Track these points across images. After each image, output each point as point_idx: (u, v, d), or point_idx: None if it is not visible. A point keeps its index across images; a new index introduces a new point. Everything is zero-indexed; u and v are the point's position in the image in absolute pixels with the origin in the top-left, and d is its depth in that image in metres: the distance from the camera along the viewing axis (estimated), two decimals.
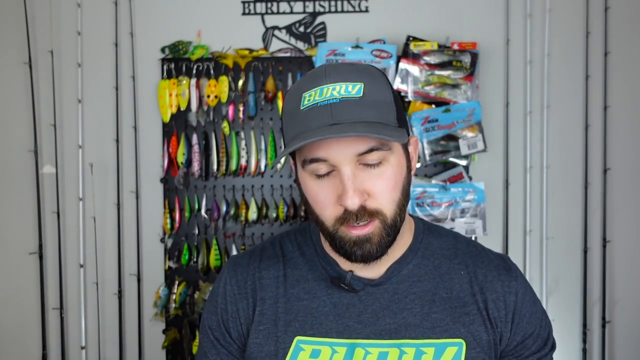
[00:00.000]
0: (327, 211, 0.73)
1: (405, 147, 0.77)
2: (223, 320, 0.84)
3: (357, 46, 1.94)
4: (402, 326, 0.78)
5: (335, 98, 0.70)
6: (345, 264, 0.81)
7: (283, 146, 0.82)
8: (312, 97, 0.71)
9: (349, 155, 0.70)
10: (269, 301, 0.82)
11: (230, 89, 2.01)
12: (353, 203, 0.69)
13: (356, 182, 0.70)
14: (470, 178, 1.98)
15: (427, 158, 1.91)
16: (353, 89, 0.71)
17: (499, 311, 0.80)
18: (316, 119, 0.69)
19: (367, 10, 2.07)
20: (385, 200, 0.72)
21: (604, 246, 2.00)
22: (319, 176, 0.72)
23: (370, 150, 0.70)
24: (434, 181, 1.94)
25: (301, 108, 0.72)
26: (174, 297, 2.02)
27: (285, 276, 0.83)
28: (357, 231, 0.72)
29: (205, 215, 2.03)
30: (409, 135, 0.78)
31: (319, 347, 0.78)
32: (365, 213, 0.71)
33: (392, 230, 0.74)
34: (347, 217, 0.71)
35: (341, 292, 0.80)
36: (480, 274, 0.82)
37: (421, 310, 0.79)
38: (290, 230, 0.91)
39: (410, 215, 0.87)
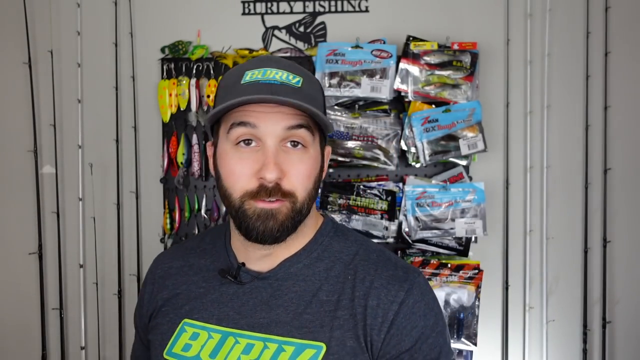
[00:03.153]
0: (239, 184, 0.75)
1: (322, 150, 0.82)
2: (138, 302, 0.96)
3: (357, 46, 1.94)
4: (273, 322, 0.79)
5: (277, 81, 0.75)
6: (240, 256, 0.86)
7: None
8: (254, 75, 0.75)
9: (277, 128, 0.74)
10: (171, 287, 0.89)
11: None
12: (272, 175, 0.72)
13: (278, 157, 0.73)
14: (470, 178, 1.98)
15: (427, 158, 1.91)
16: (293, 79, 0.76)
17: (375, 318, 0.77)
18: (256, 92, 0.73)
19: (367, 10, 2.07)
20: (299, 184, 0.75)
21: (604, 246, 2.00)
22: (240, 147, 0.75)
23: (299, 126, 0.74)
24: (434, 181, 1.94)
25: (242, 82, 0.76)
26: None
27: (191, 265, 0.90)
28: (264, 204, 0.74)
29: (205, 216, 2.03)
30: (326, 142, 0.85)
31: (199, 331, 0.83)
32: (278, 191, 0.74)
33: (297, 216, 0.76)
34: (260, 191, 0.74)
35: (232, 283, 0.84)
36: (368, 281, 0.80)
37: (295, 310, 0.79)
38: (218, 225, 0.99)
39: (323, 215, 0.90)
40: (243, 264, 0.84)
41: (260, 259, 0.83)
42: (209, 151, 0.85)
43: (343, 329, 0.77)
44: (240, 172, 0.75)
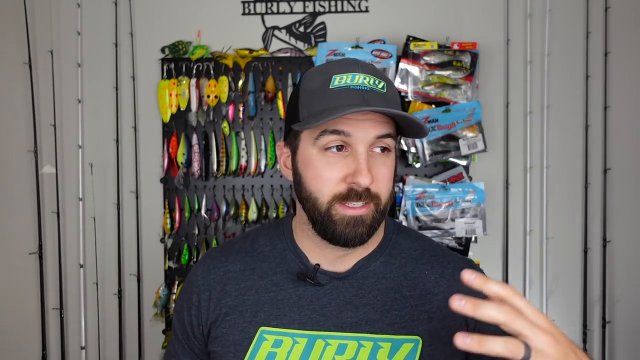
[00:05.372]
0: (328, 188, 0.76)
1: (395, 152, 0.83)
2: (186, 309, 0.88)
3: (357, 46, 1.94)
4: (362, 320, 0.80)
5: (366, 86, 0.76)
6: (313, 257, 0.84)
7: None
8: (343, 80, 0.76)
9: (369, 136, 0.75)
10: (235, 293, 0.85)
11: (230, 89, 2.01)
12: (366, 181, 0.73)
13: (368, 164, 0.75)
14: (470, 178, 1.98)
15: (427, 158, 1.91)
16: (379, 84, 0.77)
17: None
18: (348, 99, 0.74)
19: (367, 10, 2.07)
20: (384, 188, 0.77)
21: (604, 246, 2.00)
22: (328, 153, 0.76)
23: (388, 135, 0.76)
24: (434, 181, 1.94)
25: (331, 87, 0.76)
26: (174, 297, 2.02)
27: (253, 269, 0.86)
28: (353, 211, 0.75)
29: (205, 215, 2.03)
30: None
31: (281, 338, 0.81)
32: (368, 194, 0.75)
33: (381, 218, 0.78)
34: (350, 194, 0.75)
35: (307, 285, 0.83)
36: (447, 275, 0.85)
37: (382, 307, 0.81)
38: (265, 225, 0.95)
39: None
40: (318, 265, 0.83)
41: (336, 259, 0.83)
42: (282, 150, 0.85)
43: (434, 321, 0.80)
44: (329, 176, 0.76)
